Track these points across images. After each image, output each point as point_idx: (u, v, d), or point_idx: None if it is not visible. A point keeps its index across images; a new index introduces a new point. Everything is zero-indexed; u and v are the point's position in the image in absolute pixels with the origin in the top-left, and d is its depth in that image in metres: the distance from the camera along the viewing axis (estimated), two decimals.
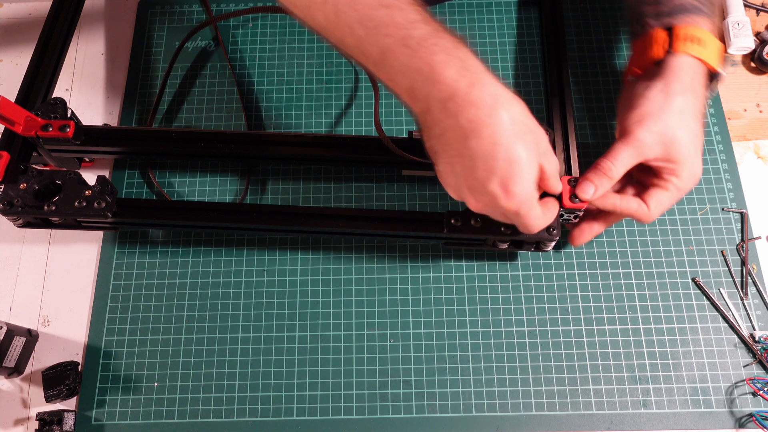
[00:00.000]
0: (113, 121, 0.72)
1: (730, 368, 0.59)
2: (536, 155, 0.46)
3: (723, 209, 0.66)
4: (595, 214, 0.58)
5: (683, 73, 0.53)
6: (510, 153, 0.44)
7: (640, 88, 0.55)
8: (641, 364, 0.60)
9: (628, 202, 0.55)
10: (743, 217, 0.65)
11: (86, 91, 0.74)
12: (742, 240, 0.64)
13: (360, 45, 0.46)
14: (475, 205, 0.48)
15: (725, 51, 0.55)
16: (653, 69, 0.55)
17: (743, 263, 0.63)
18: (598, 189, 0.54)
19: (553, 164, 0.48)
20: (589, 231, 0.58)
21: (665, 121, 0.52)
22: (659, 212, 0.55)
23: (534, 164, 0.45)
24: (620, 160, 0.53)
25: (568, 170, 0.59)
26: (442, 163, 0.47)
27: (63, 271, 0.65)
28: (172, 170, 0.69)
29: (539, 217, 0.49)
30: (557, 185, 0.50)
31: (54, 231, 0.67)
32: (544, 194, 0.51)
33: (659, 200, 0.54)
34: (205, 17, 0.77)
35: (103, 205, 0.57)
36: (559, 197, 0.56)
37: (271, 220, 0.59)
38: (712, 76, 0.56)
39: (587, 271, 0.63)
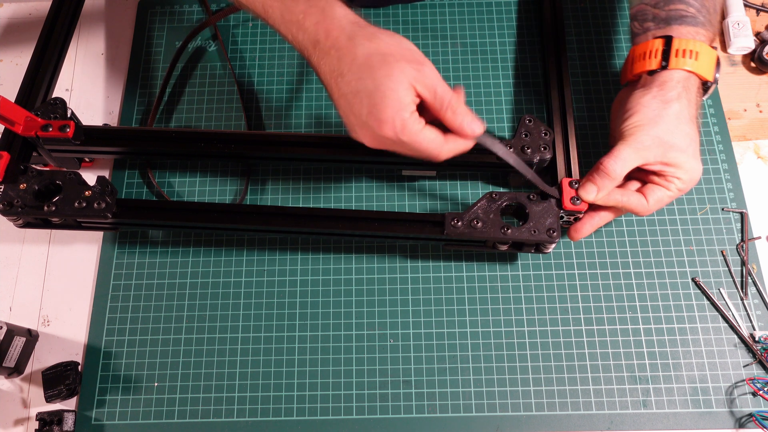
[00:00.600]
0: (113, 121, 0.72)
1: (730, 368, 0.59)
2: (403, 81, 0.48)
3: (723, 209, 0.66)
4: (594, 207, 0.58)
5: (677, 83, 0.55)
6: (369, 84, 0.48)
7: (635, 95, 0.56)
8: (641, 364, 0.60)
9: (629, 198, 0.55)
10: (743, 217, 0.65)
11: (86, 91, 0.74)
12: (742, 240, 0.64)
13: (247, 1, 0.52)
14: (367, 141, 0.51)
15: (718, 61, 0.56)
16: (648, 78, 0.56)
17: (743, 263, 0.63)
18: (600, 190, 0.55)
19: (431, 88, 0.49)
20: (589, 224, 0.58)
21: (663, 126, 0.53)
22: (658, 208, 0.56)
23: (400, 90, 0.47)
24: (622, 161, 0.54)
25: (568, 171, 0.59)
26: (337, 107, 0.51)
27: (63, 271, 0.65)
28: (172, 170, 0.69)
29: (432, 140, 0.50)
30: (448, 110, 0.50)
31: (54, 231, 0.67)
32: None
33: (659, 197, 0.55)
34: (205, 17, 0.77)
35: (103, 205, 0.57)
36: (559, 199, 0.56)
37: (271, 220, 0.59)
38: (706, 85, 0.57)
39: (587, 271, 0.63)
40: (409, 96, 0.48)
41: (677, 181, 0.54)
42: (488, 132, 0.53)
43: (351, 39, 0.49)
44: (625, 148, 0.54)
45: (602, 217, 0.58)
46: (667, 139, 0.53)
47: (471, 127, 0.50)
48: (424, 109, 0.50)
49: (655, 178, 0.55)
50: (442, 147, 0.51)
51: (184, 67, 0.74)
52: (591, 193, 0.55)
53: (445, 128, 0.51)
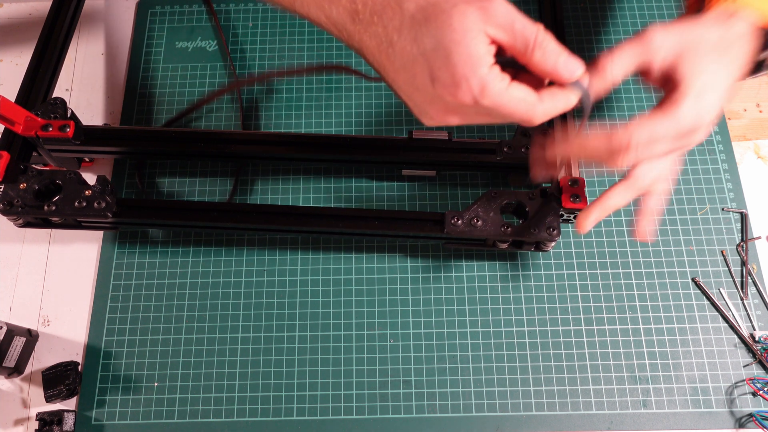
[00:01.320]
0: (113, 121, 0.72)
1: (730, 368, 0.59)
2: (469, 27, 0.37)
3: (723, 209, 0.66)
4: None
5: (740, 22, 0.43)
6: (427, 43, 0.38)
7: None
8: (641, 364, 0.60)
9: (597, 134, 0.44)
10: (743, 217, 0.65)
11: (86, 91, 0.74)
12: (742, 240, 0.64)
13: None
14: (441, 118, 0.41)
15: None
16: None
17: (743, 263, 0.63)
18: (588, 78, 0.41)
19: (508, 27, 0.38)
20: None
21: (696, 34, 0.42)
22: (643, 140, 0.42)
23: (467, 40, 0.37)
24: (620, 57, 0.43)
25: (568, 171, 0.59)
26: (396, 90, 0.42)
27: (63, 271, 0.65)
28: (171, 170, 0.69)
29: (522, 99, 0.39)
30: (536, 51, 0.39)
31: (54, 231, 0.67)
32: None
33: (647, 125, 0.42)
34: (205, 17, 0.77)
35: (103, 205, 0.57)
36: (558, 199, 0.56)
37: (272, 220, 0.59)
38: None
39: (587, 271, 0.63)
40: (482, 45, 0.38)
41: (675, 108, 0.41)
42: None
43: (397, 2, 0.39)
44: (627, 43, 0.43)
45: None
46: (692, 48, 0.41)
47: (569, 68, 0.39)
48: (505, 62, 0.40)
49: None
50: (535, 107, 0.40)
51: (184, 67, 0.74)
52: (576, 70, 0.40)
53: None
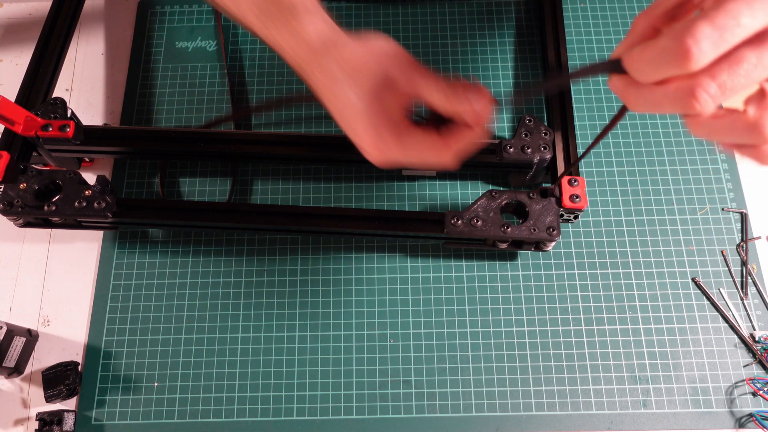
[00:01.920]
0: (113, 121, 0.72)
1: (730, 368, 0.59)
2: (366, 89, 0.44)
3: (723, 209, 0.66)
4: None
5: None
6: (339, 104, 0.45)
7: None
8: (641, 364, 0.60)
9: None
10: (743, 217, 0.65)
11: (86, 91, 0.74)
12: (743, 240, 0.64)
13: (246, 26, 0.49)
14: (374, 162, 0.47)
15: None
16: None
17: (743, 263, 0.63)
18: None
19: (406, 80, 0.44)
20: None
21: None
22: (643, 62, 0.31)
23: (364, 101, 0.44)
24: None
25: (568, 171, 0.59)
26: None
27: (63, 271, 0.65)
28: (171, 170, 0.69)
29: (420, 142, 0.44)
30: (428, 90, 0.44)
31: (54, 230, 0.67)
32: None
33: (644, 47, 0.30)
34: (205, 17, 0.77)
35: (103, 205, 0.57)
36: (558, 198, 0.56)
37: (272, 220, 0.59)
38: None
39: (587, 271, 0.63)
40: (377, 104, 0.44)
41: None
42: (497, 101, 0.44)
43: (324, 58, 0.45)
44: None
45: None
46: None
47: (467, 101, 0.42)
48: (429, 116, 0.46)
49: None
50: (436, 147, 0.45)
51: (184, 67, 0.74)
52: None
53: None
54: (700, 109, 0.30)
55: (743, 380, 0.59)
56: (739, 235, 0.64)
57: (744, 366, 0.59)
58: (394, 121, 0.45)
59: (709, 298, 0.62)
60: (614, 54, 0.34)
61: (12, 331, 0.58)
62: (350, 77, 0.44)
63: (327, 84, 0.45)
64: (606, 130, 0.43)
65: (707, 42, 0.28)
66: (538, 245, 0.59)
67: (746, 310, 0.61)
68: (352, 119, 0.45)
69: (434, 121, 0.46)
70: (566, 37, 0.72)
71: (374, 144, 0.45)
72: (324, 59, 0.45)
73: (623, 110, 0.38)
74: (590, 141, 0.69)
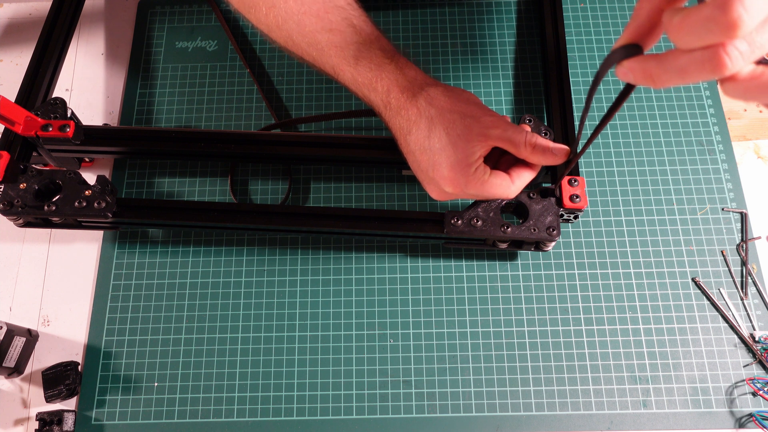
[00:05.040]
0: (113, 121, 0.72)
1: (730, 368, 0.59)
2: (466, 137, 0.49)
3: (723, 209, 0.66)
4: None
5: None
6: (435, 143, 0.50)
7: None
8: (641, 364, 0.60)
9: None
10: (743, 217, 0.65)
11: (86, 91, 0.74)
12: (743, 240, 0.64)
13: (316, 63, 0.55)
14: (435, 195, 0.53)
15: None
16: None
17: (743, 263, 0.63)
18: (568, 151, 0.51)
19: (501, 137, 0.49)
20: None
21: None
22: (685, 31, 0.28)
23: (461, 147, 0.49)
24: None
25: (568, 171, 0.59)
26: (407, 161, 0.54)
27: (63, 270, 0.65)
28: (171, 170, 0.69)
29: (499, 185, 0.50)
30: (516, 146, 0.50)
31: (54, 230, 0.67)
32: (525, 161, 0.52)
33: (685, 15, 0.28)
34: (205, 17, 0.77)
35: (103, 205, 0.57)
36: (558, 198, 0.56)
37: (271, 220, 0.59)
38: None
39: (587, 271, 0.63)
40: (477, 152, 0.49)
41: None
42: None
43: (416, 100, 0.51)
44: None
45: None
46: None
47: (551, 159, 0.51)
48: (491, 155, 0.52)
49: None
50: (509, 188, 0.51)
51: (184, 67, 0.74)
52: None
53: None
54: (732, 68, 0.28)
55: (743, 380, 0.59)
56: (739, 235, 0.64)
57: (744, 366, 0.59)
58: (476, 164, 0.50)
59: (709, 298, 0.62)
60: (622, 40, 0.33)
61: (12, 331, 0.58)
62: (444, 118, 0.49)
63: (417, 122, 0.50)
64: (611, 111, 0.39)
65: (756, 7, 0.26)
66: (538, 245, 0.59)
67: (746, 310, 0.61)
68: (440, 158, 0.49)
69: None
70: (566, 37, 0.72)
71: (454, 183, 0.50)
72: (419, 99, 0.50)
73: (629, 88, 0.37)
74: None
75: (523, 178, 0.52)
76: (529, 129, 0.53)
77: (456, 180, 0.50)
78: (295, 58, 0.56)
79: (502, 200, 0.57)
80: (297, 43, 0.54)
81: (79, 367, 0.61)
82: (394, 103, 0.52)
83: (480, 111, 0.50)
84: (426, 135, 0.50)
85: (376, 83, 0.52)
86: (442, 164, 0.50)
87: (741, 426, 0.57)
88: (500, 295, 0.63)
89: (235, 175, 0.68)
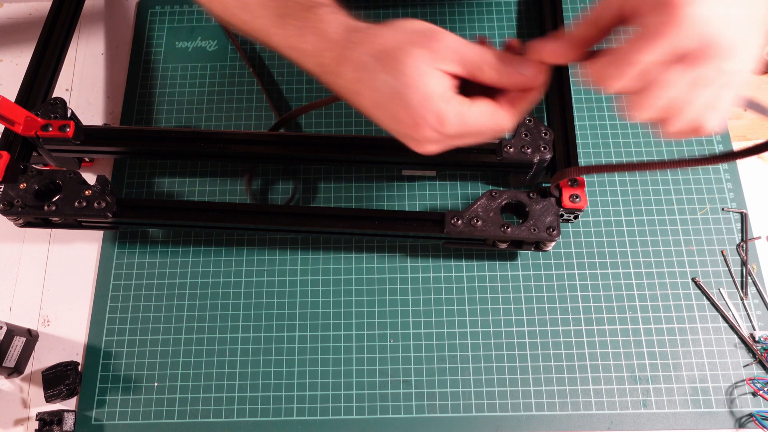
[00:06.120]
0: (113, 121, 0.72)
1: (730, 368, 0.59)
2: (420, 69, 0.40)
3: (723, 209, 0.65)
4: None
5: None
6: (385, 91, 0.41)
7: None
8: (641, 364, 0.60)
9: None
10: (743, 217, 0.65)
11: (86, 91, 0.74)
12: (743, 240, 0.64)
13: (251, 31, 0.48)
14: (421, 150, 0.44)
15: None
16: None
17: (743, 263, 0.63)
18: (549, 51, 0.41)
19: (457, 59, 0.41)
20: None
21: None
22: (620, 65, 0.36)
23: (420, 81, 0.40)
24: (591, 18, 0.39)
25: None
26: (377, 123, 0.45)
27: (63, 270, 0.65)
28: (171, 170, 0.69)
29: (482, 113, 0.42)
30: (485, 70, 0.41)
31: (54, 230, 0.67)
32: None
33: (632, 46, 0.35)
34: (205, 17, 0.77)
35: (103, 205, 0.57)
36: (558, 198, 0.56)
37: (271, 220, 0.59)
38: None
39: (587, 271, 0.63)
40: (434, 82, 0.40)
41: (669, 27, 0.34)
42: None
43: (351, 49, 0.43)
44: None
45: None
46: None
47: (520, 78, 0.41)
48: (468, 85, 0.42)
49: None
50: (498, 115, 0.42)
51: (184, 67, 0.74)
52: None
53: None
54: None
55: (743, 380, 0.59)
56: (739, 235, 0.64)
57: (744, 366, 0.59)
58: (446, 98, 0.41)
59: (709, 298, 0.62)
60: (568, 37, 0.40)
61: (12, 331, 0.58)
62: (383, 61, 0.41)
63: (358, 77, 0.42)
64: None
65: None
66: (538, 245, 0.59)
67: (746, 310, 0.61)
68: (398, 107, 0.41)
69: (480, 91, 0.43)
70: None
71: (426, 128, 0.41)
72: (351, 51, 0.43)
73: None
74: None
75: (514, 102, 0.42)
76: (491, 47, 0.42)
77: (425, 121, 0.41)
78: (237, 31, 0.50)
79: (497, 193, 0.56)
80: (229, 7, 0.48)
81: (79, 367, 0.61)
82: (328, 63, 0.44)
83: (425, 38, 0.41)
84: (373, 87, 0.42)
85: (303, 42, 0.44)
86: (403, 113, 0.41)
87: (741, 426, 0.57)
88: (500, 295, 0.63)
89: (251, 176, 0.68)
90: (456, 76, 0.42)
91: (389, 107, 0.42)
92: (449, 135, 0.42)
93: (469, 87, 0.42)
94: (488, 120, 0.42)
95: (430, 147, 0.43)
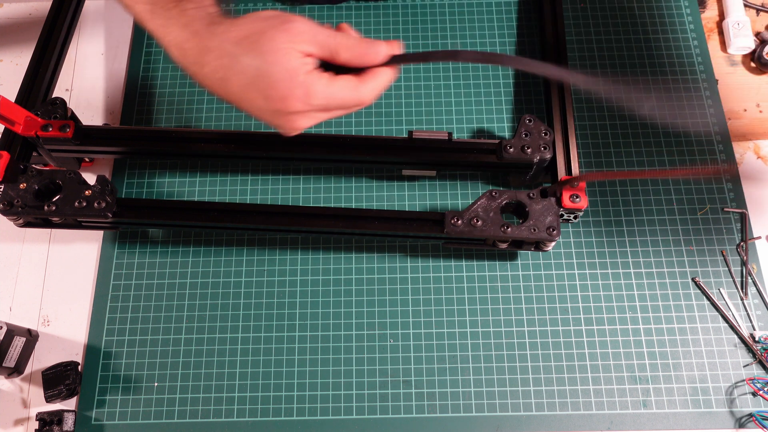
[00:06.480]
0: (113, 121, 0.72)
1: (730, 368, 0.59)
2: (281, 49, 0.43)
3: (723, 209, 0.66)
4: None
5: None
6: (249, 72, 0.44)
7: None
8: (641, 364, 0.60)
9: None
10: (743, 218, 0.65)
11: (86, 91, 0.74)
12: (742, 240, 0.64)
13: (134, 16, 0.49)
14: (289, 127, 0.47)
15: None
16: None
17: (743, 263, 0.63)
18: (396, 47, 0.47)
19: (313, 41, 0.44)
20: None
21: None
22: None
23: (282, 59, 0.43)
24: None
25: (568, 170, 0.59)
26: (245, 111, 0.47)
27: (63, 270, 0.65)
28: (172, 170, 0.69)
29: (344, 86, 0.45)
30: (341, 51, 0.45)
31: (54, 231, 0.67)
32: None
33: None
34: None
35: (103, 205, 0.57)
36: (558, 198, 0.56)
37: (271, 220, 0.59)
38: None
39: (587, 271, 0.63)
40: (295, 59, 0.43)
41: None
42: (404, 51, 0.47)
43: (212, 40, 0.45)
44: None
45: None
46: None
47: (375, 51, 0.45)
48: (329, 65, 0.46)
49: None
50: (359, 89, 0.46)
51: None
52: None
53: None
54: None
55: (743, 380, 0.59)
56: (740, 235, 0.64)
57: (744, 366, 0.59)
58: (310, 72, 0.44)
59: (709, 298, 0.62)
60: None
61: (12, 331, 0.58)
62: (245, 46, 0.44)
63: (222, 63, 0.44)
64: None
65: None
66: (538, 245, 0.59)
67: (746, 310, 0.61)
68: (260, 84, 0.44)
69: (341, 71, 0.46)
70: (566, 37, 0.72)
71: (293, 101, 0.44)
72: (213, 41, 0.45)
73: None
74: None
75: (375, 76, 0.46)
76: (347, 27, 0.46)
77: (293, 94, 0.43)
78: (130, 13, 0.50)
79: (497, 193, 0.56)
80: None
81: (79, 367, 0.61)
82: (191, 54, 0.45)
83: (281, 22, 0.44)
84: (239, 71, 0.44)
85: (167, 35, 0.46)
86: (270, 90, 0.44)
87: (741, 426, 0.57)
88: (500, 295, 0.63)
89: (245, 175, 0.68)
90: (316, 57, 0.45)
91: (257, 87, 0.44)
92: (316, 107, 0.45)
93: (330, 66, 0.46)
94: (351, 93, 0.45)
95: (300, 121, 0.46)
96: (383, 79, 0.47)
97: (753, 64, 0.73)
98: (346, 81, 0.45)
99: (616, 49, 0.74)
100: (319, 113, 0.46)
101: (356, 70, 0.46)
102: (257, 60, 0.43)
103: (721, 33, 0.75)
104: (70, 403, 0.60)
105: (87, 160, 0.69)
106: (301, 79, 0.44)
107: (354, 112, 0.48)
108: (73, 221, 0.59)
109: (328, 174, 0.68)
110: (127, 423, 0.59)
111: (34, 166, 0.59)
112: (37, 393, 0.60)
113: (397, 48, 0.46)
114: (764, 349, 0.59)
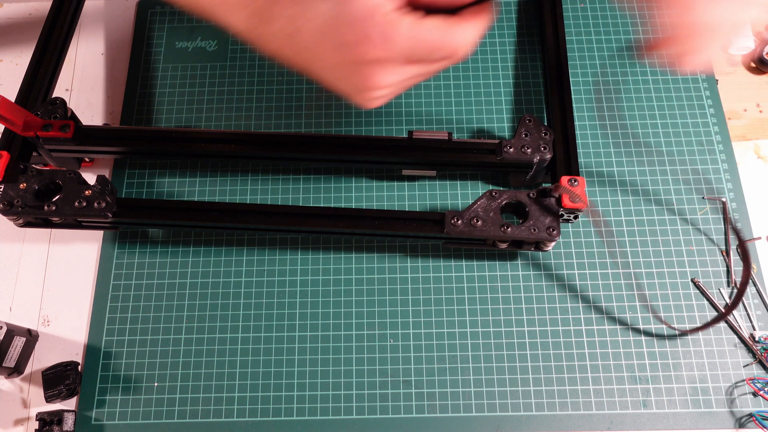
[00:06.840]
0: (113, 121, 0.72)
1: (730, 368, 0.59)
2: None
3: (703, 197, 0.65)
4: None
5: None
6: (325, 17, 0.38)
7: None
8: (641, 364, 0.60)
9: None
10: (724, 206, 0.65)
11: (86, 91, 0.74)
12: (725, 231, 0.64)
13: None
14: (373, 83, 0.41)
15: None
16: None
17: (726, 253, 0.63)
18: None
19: None
20: None
21: None
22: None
23: (349, 1, 0.37)
24: None
25: (568, 170, 0.59)
26: (324, 84, 0.43)
27: (63, 270, 0.65)
28: (172, 170, 0.69)
29: (435, 27, 0.38)
30: None
31: (54, 231, 0.67)
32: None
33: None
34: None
35: (103, 205, 0.57)
36: (558, 198, 0.56)
37: (271, 220, 0.59)
38: None
39: (587, 271, 0.63)
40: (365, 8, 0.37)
41: None
42: None
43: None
44: None
45: None
46: None
47: None
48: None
49: None
50: (450, 31, 0.39)
51: (184, 67, 0.74)
52: None
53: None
54: None
55: (743, 380, 0.59)
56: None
57: (744, 366, 0.59)
58: (394, 14, 0.38)
59: (708, 299, 0.62)
60: None
61: (12, 331, 0.58)
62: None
63: (294, 13, 0.40)
64: None
65: None
66: (538, 245, 0.59)
67: (746, 310, 0.61)
68: (336, 28, 0.38)
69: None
70: (566, 37, 0.72)
71: (368, 48, 0.38)
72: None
73: None
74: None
75: (470, 18, 0.40)
76: None
77: (371, 42, 0.38)
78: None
79: (497, 193, 0.56)
80: None
81: (79, 367, 0.61)
82: (260, 7, 0.42)
83: None
84: (313, 18, 0.39)
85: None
86: (347, 33, 0.38)
87: (741, 426, 0.57)
88: (500, 295, 0.63)
89: (245, 175, 0.68)
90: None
91: (329, 34, 0.39)
92: (399, 54, 0.39)
93: (418, 9, 0.39)
94: (441, 36, 0.39)
95: (378, 76, 0.40)
96: (479, 23, 0.40)
97: (753, 64, 0.73)
98: (435, 22, 0.38)
99: (617, 49, 0.74)
100: (402, 67, 0.40)
101: (448, 13, 0.39)
102: (330, 1, 0.38)
103: None
104: (70, 403, 0.60)
105: (87, 160, 0.69)
106: (380, 18, 0.37)
107: (445, 68, 0.41)
108: (73, 221, 0.59)
109: (328, 174, 0.68)
110: (127, 423, 0.59)
111: (34, 166, 0.59)
112: (37, 393, 0.60)
113: None
114: (764, 349, 0.59)
